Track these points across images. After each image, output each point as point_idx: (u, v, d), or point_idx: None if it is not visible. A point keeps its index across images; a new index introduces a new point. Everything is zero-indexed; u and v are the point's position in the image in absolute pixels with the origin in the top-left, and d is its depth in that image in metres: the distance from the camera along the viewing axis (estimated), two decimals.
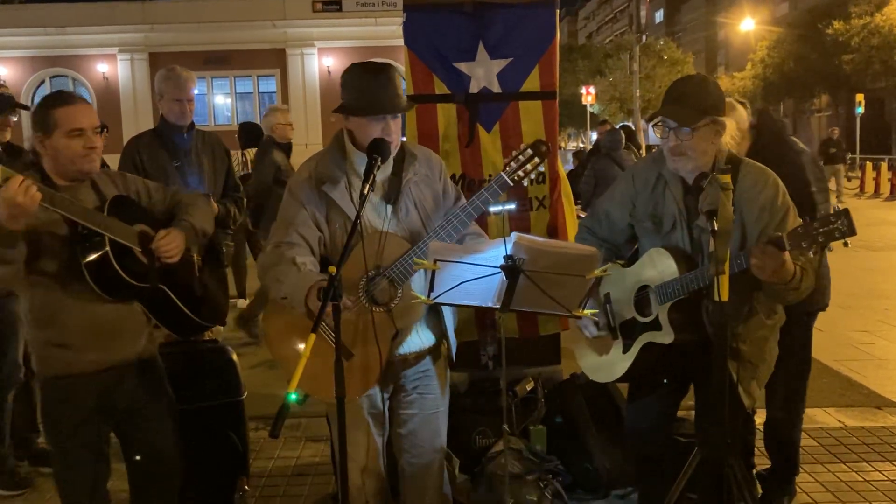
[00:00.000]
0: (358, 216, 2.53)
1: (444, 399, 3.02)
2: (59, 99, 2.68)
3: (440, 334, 2.96)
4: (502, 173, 2.76)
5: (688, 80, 2.97)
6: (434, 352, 2.97)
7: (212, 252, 3.09)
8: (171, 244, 2.73)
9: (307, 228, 2.77)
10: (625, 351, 3.03)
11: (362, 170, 2.73)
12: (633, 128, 13.15)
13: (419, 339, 2.90)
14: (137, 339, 2.83)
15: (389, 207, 2.80)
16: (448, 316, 2.95)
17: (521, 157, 2.76)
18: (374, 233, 2.74)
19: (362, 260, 2.69)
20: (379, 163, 2.64)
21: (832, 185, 18.04)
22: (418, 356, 2.92)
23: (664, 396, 3.10)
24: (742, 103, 3.66)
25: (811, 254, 2.56)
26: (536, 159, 2.75)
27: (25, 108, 4.35)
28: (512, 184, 2.75)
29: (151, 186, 2.94)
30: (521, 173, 2.75)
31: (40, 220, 2.54)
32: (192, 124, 4.36)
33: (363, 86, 2.73)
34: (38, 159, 2.71)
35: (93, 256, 2.57)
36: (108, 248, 2.56)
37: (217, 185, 4.42)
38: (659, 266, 2.88)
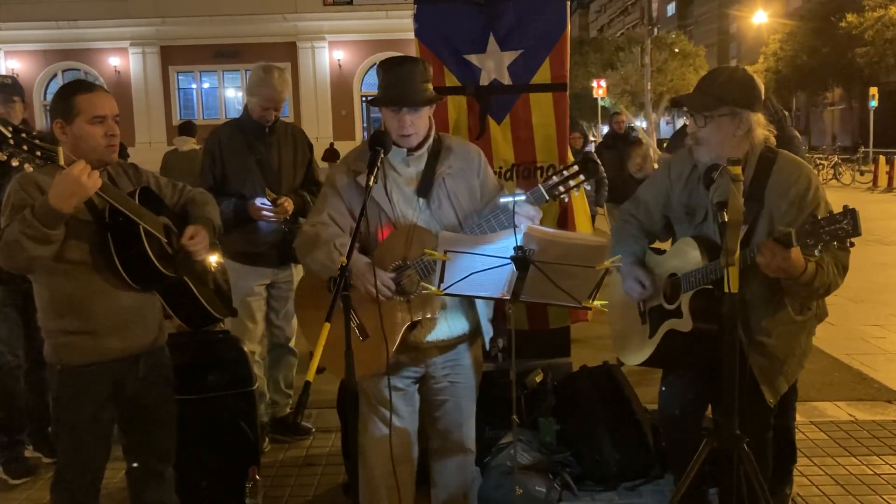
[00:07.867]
0: (364, 209, 2.60)
1: (473, 389, 3.08)
2: (80, 86, 2.69)
3: (473, 324, 2.99)
4: (540, 186, 2.76)
5: (720, 70, 2.92)
6: (465, 341, 3.01)
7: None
8: (200, 243, 2.79)
9: (340, 215, 2.86)
10: (650, 336, 3.03)
11: (396, 161, 2.84)
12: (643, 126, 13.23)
13: (448, 327, 2.93)
14: (154, 327, 2.85)
15: (422, 200, 2.85)
16: (481, 306, 2.97)
17: (565, 171, 2.77)
18: (405, 225, 2.80)
19: (393, 250, 2.78)
20: (382, 154, 2.71)
21: None
22: (448, 344, 2.96)
23: (694, 383, 3.06)
24: None
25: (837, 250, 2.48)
26: (581, 176, 2.77)
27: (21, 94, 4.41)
28: (549, 198, 2.76)
29: (162, 182, 2.95)
30: (561, 188, 2.76)
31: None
32: (277, 119, 4.32)
33: (385, 79, 2.81)
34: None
35: (128, 244, 2.59)
36: (143, 237, 2.59)
37: (297, 177, 4.37)
38: (685, 255, 2.88)
